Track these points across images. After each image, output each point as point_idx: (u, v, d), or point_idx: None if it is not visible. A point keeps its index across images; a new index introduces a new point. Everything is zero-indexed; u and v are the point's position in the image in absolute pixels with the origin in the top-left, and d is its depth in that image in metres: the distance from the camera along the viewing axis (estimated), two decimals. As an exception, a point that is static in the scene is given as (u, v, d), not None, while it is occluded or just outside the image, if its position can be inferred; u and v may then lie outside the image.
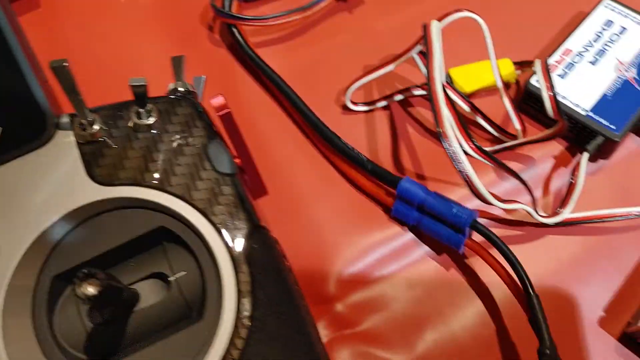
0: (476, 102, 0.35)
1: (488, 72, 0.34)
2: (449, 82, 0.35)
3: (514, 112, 0.33)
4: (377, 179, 0.32)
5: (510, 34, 0.37)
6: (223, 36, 0.39)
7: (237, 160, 0.28)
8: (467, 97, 0.34)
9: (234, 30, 0.37)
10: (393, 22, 0.38)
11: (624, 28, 0.35)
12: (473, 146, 0.30)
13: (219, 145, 0.25)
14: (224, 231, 0.24)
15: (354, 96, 0.36)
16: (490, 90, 0.35)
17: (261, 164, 0.30)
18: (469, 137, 0.30)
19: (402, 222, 0.32)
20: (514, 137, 0.33)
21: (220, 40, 0.39)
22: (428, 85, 0.30)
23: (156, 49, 0.38)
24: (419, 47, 0.31)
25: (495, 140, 0.34)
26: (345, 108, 0.36)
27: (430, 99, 0.29)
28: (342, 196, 0.34)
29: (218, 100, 0.26)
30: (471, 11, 0.32)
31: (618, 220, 0.32)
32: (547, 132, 0.32)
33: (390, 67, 0.33)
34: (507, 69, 0.35)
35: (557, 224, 0.31)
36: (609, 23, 0.35)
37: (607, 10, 0.35)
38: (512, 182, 0.33)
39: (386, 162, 0.34)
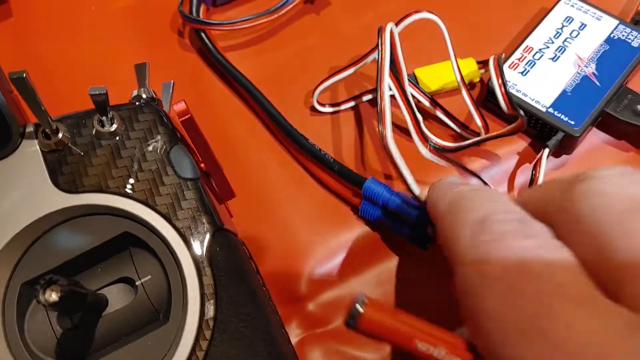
0: (442, 101, 0.36)
1: (450, 71, 0.35)
2: (414, 82, 0.35)
3: (474, 109, 0.34)
4: (344, 179, 0.33)
5: (475, 33, 0.38)
6: (192, 41, 0.39)
7: (203, 165, 0.28)
8: (429, 95, 0.35)
9: (202, 35, 0.38)
10: (360, 24, 0.39)
11: (584, 24, 0.36)
12: (428, 147, 0.31)
13: (181, 151, 0.26)
14: (187, 235, 0.25)
15: (322, 97, 0.37)
16: (457, 89, 0.35)
17: (231, 167, 0.31)
18: (424, 138, 0.31)
19: (368, 222, 0.33)
20: (478, 134, 0.34)
21: (190, 45, 0.39)
22: (377, 88, 0.30)
23: (127, 56, 0.39)
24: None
25: (460, 138, 0.35)
26: (313, 109, 0.37)
27: (377, 102, 0.30)
28: (311, 197, 0.34)
29: (179, 106, 0.26)
30: (430, 12, 0.33)
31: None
32: (508, 128, 0.33)
33: (351, 70, 0.34)
34: (470, 67, 0.36)
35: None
36: (569, 19, 0.36)
37: (567, 6, 0.36)
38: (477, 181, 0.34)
39: (355, 162, 0.35)
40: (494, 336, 0.18)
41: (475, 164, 0.35)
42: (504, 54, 0.35)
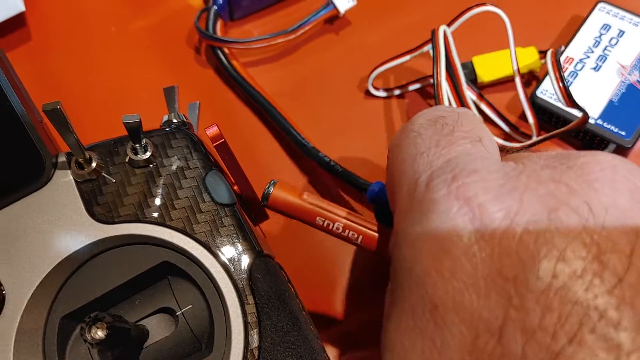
0: (495, 95, 0.37)
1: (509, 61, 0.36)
2: (471, 69, 0.36)
3: (529, 108, 0.34)
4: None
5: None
6: (209, 58, 0.40)
7: (236, 188, 0.29)
8: (482, 95, 0.36)
9: (219, 52, 0.39)
10: (383, 34, 0.40)
11: (622, 31, 0.36)
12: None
13: (216, 176, 0.27)
14: (227, 263, 0.25)
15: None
16: (511, 81, 0.36)
17: (256, 186, 0.31)
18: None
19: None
20: (528, 136, 0.34)
21: (207, 62, 0.40)
22: (434, 90, 0.32)
23: (148, 76, 0.40)
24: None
25: (507, 138, 0.36)
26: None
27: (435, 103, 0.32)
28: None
29: (212, 130, 0.27)
30: (492, 4, 0.33)
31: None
32: (568, 126, 0.33)
33: (406, 58, 0.36)
34: (532, 57, 0.36)
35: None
36: (606, 27, 0.36)
37: (602, 13, 0.37)
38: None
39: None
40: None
41: None
42: (563, 47, 0.35)
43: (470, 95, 0.35)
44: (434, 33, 0.33)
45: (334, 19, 0.41)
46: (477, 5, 0.33)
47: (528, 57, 0.37)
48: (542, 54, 0.37)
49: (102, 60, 0.41)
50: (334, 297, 0.33)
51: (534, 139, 0.34)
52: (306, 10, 0.40)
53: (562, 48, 0.35)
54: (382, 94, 0.38)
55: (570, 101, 0.32)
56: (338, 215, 0.27)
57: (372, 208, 0.33)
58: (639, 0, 0.39)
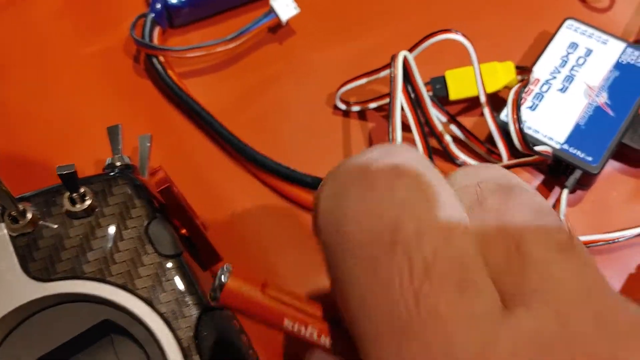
0: (469, 111, 0.36)
1: (486, 77, 0.35)
2: (443, 84, 0.36)
3: (497, 133, 0.34)
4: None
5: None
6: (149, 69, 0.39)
7: (184, 231, 0.28)
8: (453, 117, 0.35)
9: (154, 60, 0.38)
10: (328, 54, 0.39)
11: (590, 49, 0.36)
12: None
13: (160, 225, 0.26)
14: (171, 320, 0.24)
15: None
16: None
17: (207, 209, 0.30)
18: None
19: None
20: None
21: (146, 73, 0.39)
22: (389, 118, 0.32)
23: (99, 101, 0.39)
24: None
25: (480, 159, 0.35)
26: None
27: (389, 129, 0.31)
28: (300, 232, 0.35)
29: (157, 175, 0.26)
30: (455, 32, 0.33)
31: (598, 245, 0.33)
32: (528, 159, 0.32)
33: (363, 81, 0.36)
34: (509, 72, 0.36)
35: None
36: (574, 45, 0.36)
37: (570, 31, 0.36)
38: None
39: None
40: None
41: None
42: (533, 76, 0.35)
43: (438, 115, 0.34)
44: (393, 59, 0.32)
45: (278, 28, 0.40)
46: (440, 33, 0.33)
47: (505, 73, 0.36)
48: (519, 69, 0.36)
49: (51, 88, 0.39)
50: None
51: (504, 162, 0.33)
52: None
53: (532, 78, 0.34)
54: (343, 106, 0.37)
55: (525, 145, 0.32)
56: (315, 319, 0.19)
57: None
58: (608, 17, 0.39)
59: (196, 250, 0.29)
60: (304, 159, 0.36)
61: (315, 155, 0.36)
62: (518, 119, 0.32)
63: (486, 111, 0.34)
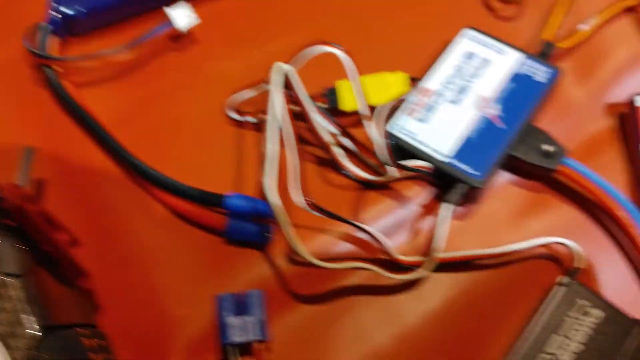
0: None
1: (376, 88, 0.35)
2: (333, 96, 0.36)
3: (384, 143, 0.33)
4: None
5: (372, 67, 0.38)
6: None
7: (47, 248, 0.28)
8: (345, 130, 0.35)
9: (47, 70, 0.37)
10: (231, 65, 0.39)
11: (487, 60, 0.35)
12: (306, 201, 0.31)
13: (6, 243, 0.26)
14: (9, 342, 0.24)
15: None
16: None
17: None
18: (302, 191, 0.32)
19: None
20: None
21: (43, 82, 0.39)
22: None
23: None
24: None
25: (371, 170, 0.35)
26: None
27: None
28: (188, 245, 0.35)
29: (14, 193, 0.26)
30: (332, 45, 0.33)
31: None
32: (410, 173, 0.32)
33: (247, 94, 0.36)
34: (402, 83, 0.36)
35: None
36: (471, 55, 0.35)
37: (467, 41, 0.36)
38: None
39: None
40: None
41: (371, 212, 0.34)
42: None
43: (328, 127, 0.34)
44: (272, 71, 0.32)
45: (180, 38, 0.40)
46: (317, 45, 0.32)
47: (396, 84, 0.36)
48: (413, 81, 0.36)
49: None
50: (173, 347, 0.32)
51: (391, 175, 0.33)
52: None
53: (421, 90, 0.34)
54: (236, 117, 0.37)
55: (393, 161, 0.31)
56: None
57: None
58: (513, 27, 0.38)
59: (58, 267, 0.28)
60: (197, 171, 0.36)
61: (209, 167, 0.36)
62: (387, 134, 0.31)
63: (366, 123, 0.33)
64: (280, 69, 0.32)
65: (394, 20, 0.40)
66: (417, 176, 0.33)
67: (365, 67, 0.36)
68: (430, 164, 0.33)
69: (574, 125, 0.37)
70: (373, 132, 0.32)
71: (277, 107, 0.32)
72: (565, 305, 0.31)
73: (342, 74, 0.34)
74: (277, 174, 0.31)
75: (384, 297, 0.34)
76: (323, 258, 0.32)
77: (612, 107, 0.37)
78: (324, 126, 0.34)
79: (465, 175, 0.33)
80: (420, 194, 0.35)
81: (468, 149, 0.33)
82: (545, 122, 0.36)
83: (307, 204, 0.31)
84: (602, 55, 0.38)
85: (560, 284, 0.31)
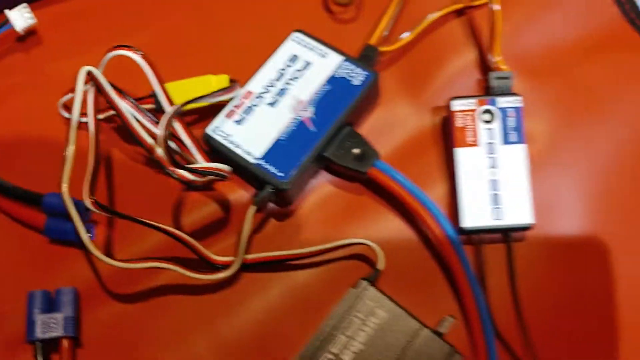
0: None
1: (200, 89, 0.36)
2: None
3: (192, 144, 0.34)
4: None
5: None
6: None
7: None
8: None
9: None
10: (73, 65, 0.39)
11: (309, 63, 0.36)
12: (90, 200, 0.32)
13: None
14: None
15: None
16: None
17: None
18: (90, 191, 0.32)
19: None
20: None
21: None
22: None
23: None
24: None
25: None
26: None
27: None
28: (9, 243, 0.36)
29: None
30: (130, 49, 0.33)
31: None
32: (208, 178, 0.33)
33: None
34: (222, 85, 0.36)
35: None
36: (294, 58, 0.36)
37: (294, 44, 0.36)
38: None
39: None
40: None
41: (194, 212, 0.36)
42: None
43: (151, 128, 0.35)
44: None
45: (26, 38, 0.40)
46: (116, 49, 0.33)
47: (220, 86, 0.36)
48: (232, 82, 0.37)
49: None
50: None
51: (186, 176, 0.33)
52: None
53: (243, 92, 0.35)
54: (67, 115, 0.37)
55: (171, 162, 0.32)
56: None
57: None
58: (353, 28, 0.39)
59: None
60: (29, 170, 0.37)
61: (42, 166, 0.37)
62: (165, 137, 0.31)
63: (176, 125, 0.34)
64: (84, 70, 0.32)
65: (240, 21, 0.40)
66: (219, 178, 0.33)
67: (201, 69, 0.37)
68: (226, 167, 0.33)
69: (398, 128, 0.37)
70: (159, 129, 0.32)
71: (76, 107, 0.32)
72: (356, 306, 0.31)
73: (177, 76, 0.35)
74: (70, 174, 0.32)
75: (198, 297, 0.35)
76: (137, 258, 0.33)
77: (435, 111, 0.37)
78: (149, 127, 0.35)
79: (270, 176, 0.33)
80: (241, 196, 0.36)
81: (277, 151, 0.34)
82: (368, 126, 0.37)
83: (91, 202, 0.32)
84: (429, 60, 0.38)
85: (355, 286, 0.32)
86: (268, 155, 0.34)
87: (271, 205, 0.36)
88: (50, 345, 0.33)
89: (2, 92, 0.39)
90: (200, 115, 0.38)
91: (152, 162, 0.37)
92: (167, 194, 0.37)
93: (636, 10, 0.39)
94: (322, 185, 0.36)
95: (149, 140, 0.35)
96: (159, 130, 0.31)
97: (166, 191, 0.37)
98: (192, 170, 0.32)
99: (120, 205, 0.37)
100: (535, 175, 0.34)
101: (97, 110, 0.36)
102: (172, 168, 0.32)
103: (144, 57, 0.33)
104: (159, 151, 0.31)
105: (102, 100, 0.34)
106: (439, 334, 0.31)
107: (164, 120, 0.31)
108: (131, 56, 0.33)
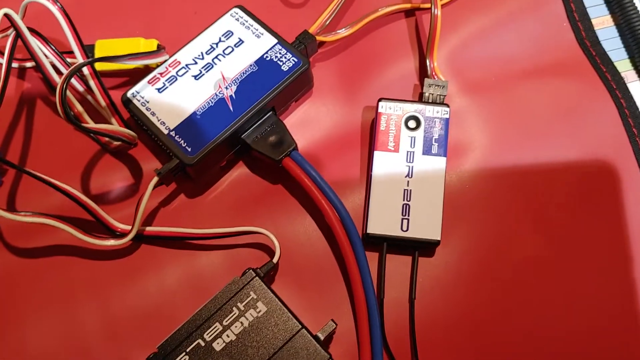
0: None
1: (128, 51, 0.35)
2: (92, 55, 0.35)
3: (106, 104, 0.34)
4: None
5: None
6: None
7: None
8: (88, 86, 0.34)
9: None
10: None
11: (242, 40, 0.34)
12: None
13: None
14: None
15: None
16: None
17: None
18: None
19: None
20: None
21: None
22: None
23: None
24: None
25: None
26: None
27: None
28: None
29: None
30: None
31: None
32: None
33: None
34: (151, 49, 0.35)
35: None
36: (229, 34, 0.35)
37: (232, 19, 0.35)
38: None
39: None
40: None
41: (107, 175, 0.35)
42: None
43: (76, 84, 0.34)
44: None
45: None
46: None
47: (147, 50, 0.35)
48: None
49: None
50: None
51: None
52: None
53: (170, 60, 0.34)
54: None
55: (70, 122, 0.30)
56: None
57: None
58: (302, 12, 0.37)
59: None
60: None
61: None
62: (62, 87, 0.30)
63: (92, 84, 0.32)
64: (1, 11, 0.31)
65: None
66: (125, 143, 0.32)
67: (134, 32, 0.36)
68: (128, 131, 0.32)
69: (325, 123, 0.36)
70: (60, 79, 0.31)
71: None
72: (238, 296, 0.30)
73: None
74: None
75: (92, 262, 0.34)
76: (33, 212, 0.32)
77: (367, 110, 0.36)
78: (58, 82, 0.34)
79: (178, 149, 0.32)
80: (155, 166, 0.35)
81: (191, 125, 0.33)
82: (295, 116, 0.36)
83: None
84: (370, 58, 0.37)
85: (242, 275, 0.30)
86: (181, 128, 0.33)
87: (184, 182, 0.35)
88: None
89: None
90: (131, 78, 0.37)
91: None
92: (84, 154, 0.35)
93: (593, 38, 0.37)
94: (239, 168, 0.35)
95: (68, 92, 0.33)
96: (59, 80, 0.30)
97: (83, 151, 0.35)
98: (95, 132, 0.31)
99: (34, 159, 0.36)
100: (449, 190, 0.33)
101: (21, 58, 0.35)
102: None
103: (61, 10, 0.32)
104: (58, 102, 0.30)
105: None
106: (317, 339, 0.29)
107: (68, 71, 0.29)
108: (46, 4, 0.31)
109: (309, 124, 0.36)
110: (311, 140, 0.35)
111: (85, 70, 0.33)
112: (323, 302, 0.32)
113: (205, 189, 0.35)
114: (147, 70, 0.35)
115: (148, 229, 0.33)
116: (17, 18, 0.32)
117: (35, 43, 0.33)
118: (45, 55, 0.34)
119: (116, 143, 0.34)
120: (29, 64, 0.36)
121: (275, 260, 0.32)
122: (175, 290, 0.33)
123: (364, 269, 0.31)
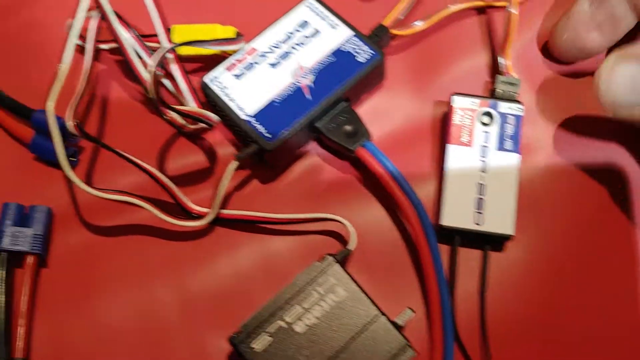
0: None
1: (208, 35, 0.35)
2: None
3: (188, 90, 0.34)
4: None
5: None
6: None
7: None
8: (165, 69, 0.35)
9: None
10: None
11: (318, 31, 0.35)
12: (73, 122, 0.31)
13: None
14: None
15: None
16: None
17: None
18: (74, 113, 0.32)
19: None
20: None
21: None
22: None
23: None
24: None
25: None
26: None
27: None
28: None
29: None
30: None
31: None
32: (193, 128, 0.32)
33: None
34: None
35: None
36: (305, 24, 0.35)
37: (307, 10, 0.36)
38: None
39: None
40: None
41: (181, 157, 0.35)
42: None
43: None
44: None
45: None
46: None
47: (225, 37, 0.36)
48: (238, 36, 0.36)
49: None
50: None
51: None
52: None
53: (247, 48, 0.34)
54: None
55: (161, 105, 0.31)
56: None
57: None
58: (357, 6, 0.38)
59: None
60: (33, 87, 0.36)
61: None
62: (155, 70, 0.31)
63: (174, 67, 0.33)
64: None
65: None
66: (207, 125, 0.32)
67: (211, 18, 0.36)
68: (214, 115, 0.32)
69: (397, 115, 0.36)
70: (151, 61, 0.31)
71: (75, 29, 0.31)
72: (317, 279, 0.30)
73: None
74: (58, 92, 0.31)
75: (169, 242, 0.34)
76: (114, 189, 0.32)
77: (437, 104, 0.36)
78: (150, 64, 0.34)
79: (257, 135, 0.33)
80: (231, 151, 0.35)
81: (269, 112, 0.33)
82: (367, 107, 0.36)
83: (74, 125, 0.31)
84: (441, 53, 0.37)
85: (321, 260, 0.31)
86: (259, 115, 0.33)
87: (259, 168, 0.35)
88: (16, 259, 0.33)
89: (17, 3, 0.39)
90: (205, 64, 0.37)
91: (147, 101, 0.36)
92: (158, 136, 0.36)
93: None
94: (312, 156, 0.36)
95: (147, 76, 0.34)
96: (150, 62, 0.30)
97: (158, 133, 0.36)
98: (179, 113, 0.31)
99: (110, 138, 0.36)
100: (524, 186, 0.33)
101: (99, 39, 0.36)
102: (162, 108, 0.32)
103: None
104: (151, 82, 0.31)
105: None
106: (396, 325, 0.30)
107: (157, 54, 0.30)
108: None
109: (379, 115, 0.36)
110: (381, 131, 0.36)
111: (167, 54, 0.33)
112: (393, 290, 0.33)
113: (277, 176, 0.35)
114: (219, 57, 0.35)
115: (224, 211, 0.33)
116: (104, 1, 0.32)
117: (118, 26, 0.33)
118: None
119: (192, 127, 0.35)
120: (103, 46, 0.37)
121: (351, 247, 0.32)
122: (249, 273, 0.33)
123: (437, 260, 0.32)
